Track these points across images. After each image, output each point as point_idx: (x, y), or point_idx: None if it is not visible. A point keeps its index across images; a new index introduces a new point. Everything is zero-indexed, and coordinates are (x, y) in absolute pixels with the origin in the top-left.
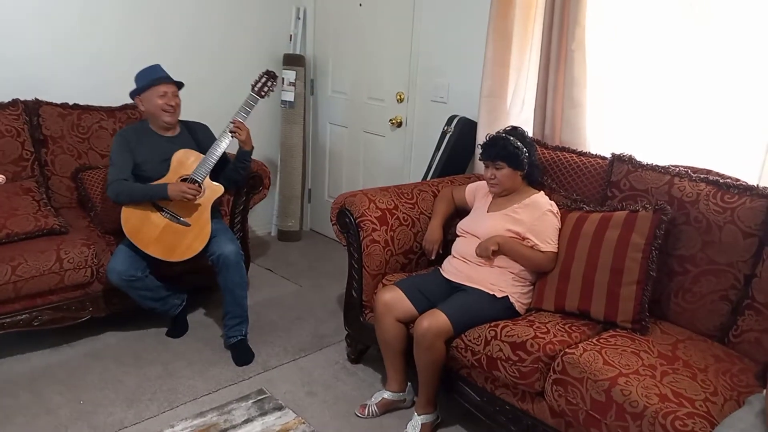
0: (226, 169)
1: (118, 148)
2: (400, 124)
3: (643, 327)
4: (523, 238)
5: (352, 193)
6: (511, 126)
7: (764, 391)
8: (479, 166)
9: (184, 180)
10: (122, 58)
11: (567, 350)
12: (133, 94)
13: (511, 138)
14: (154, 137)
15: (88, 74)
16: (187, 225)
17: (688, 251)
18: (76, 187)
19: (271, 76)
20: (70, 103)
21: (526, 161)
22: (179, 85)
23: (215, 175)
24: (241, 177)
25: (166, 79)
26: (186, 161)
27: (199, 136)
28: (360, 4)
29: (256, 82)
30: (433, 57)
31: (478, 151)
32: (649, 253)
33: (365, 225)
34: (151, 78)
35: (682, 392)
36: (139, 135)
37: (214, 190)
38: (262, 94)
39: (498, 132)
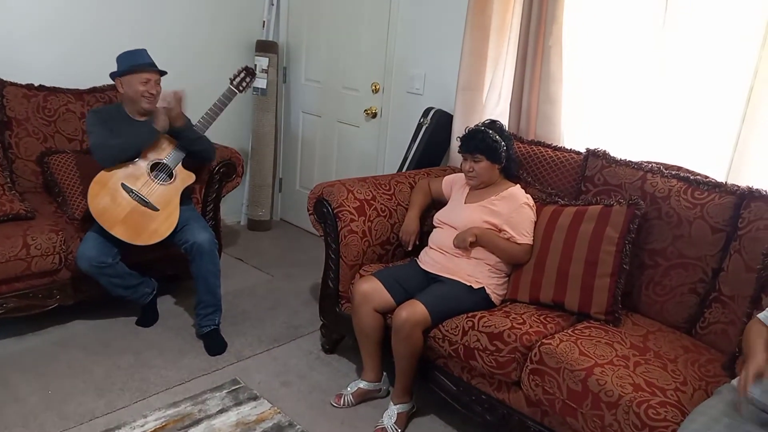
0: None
1: (96, 121)
2: (375, 115)
3: (615, 318)
4: (500, 230)
5: (329, 183)
6: (490, 119)
7: (732, 381)
8: (455, 158)
9: (156, 164)
10: (92, 42)
11: (544, 341)
12: (113, 75)
13: (490, 131)
14: (128, 121)
15: (55, 56)
16: (156, 209)
17: (659, 245)
18: (42, 171)
19: (249, 72)
20: (36, 84)
21: (504, 155)
22: (162, 74)
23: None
24: (197, 151)
25: (151, 66)
26: (159, 146)
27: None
28: None
29: (235, 77)
30: (410, 48)
31: (456, 143)
32: (622, 246)
33: (343, 215)
34: (136, 63)
35: (654, 382)
36: (112, 117)
37: (184, 177)
38: (240, 88)
39: (476, 125)
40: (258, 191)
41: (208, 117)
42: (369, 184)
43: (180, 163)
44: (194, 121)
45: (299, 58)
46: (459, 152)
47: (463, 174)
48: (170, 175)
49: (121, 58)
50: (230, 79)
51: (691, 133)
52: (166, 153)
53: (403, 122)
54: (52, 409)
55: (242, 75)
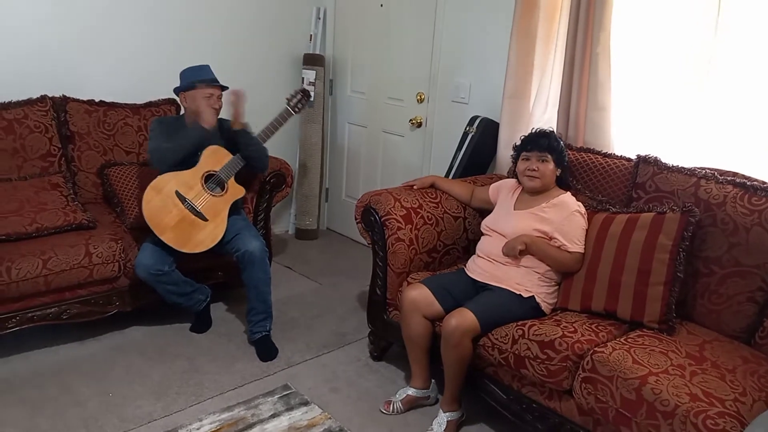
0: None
1: (157, 128)
2: (420, 125)
3: (670, 327)
4: (551, 238)
5: (377, 192)
6: (540, 128)
7: None
8: (501, 166)
9: (210, 176)
10: (146, 57)
11: (596, 349)
12: (177, 90)
13: (556, 134)
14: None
15: (113, 72)
16: (205, 220)
17: (714, 253)
18: (102, 182)
19: (306, 94)
20: (96, 100)
21: (566, 161)
22: (224, 89)
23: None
24: (254, 157)
25: (214, 82)
26: (215, 157)
27: (225, 132)
28: (381, 5)
29: (292, 98)
30: (455, 57)
31: (505, 151)
32: (676, 254)
33: (390, 223)
34: (200, 78)
35: (712, 392)
36: (175, 129)
37: (235, 192)
38: (297, 110)
39: (535, 130)
40: (305, 201)
41: (263, 135)
42: (415, 192)
43: (233, 177)
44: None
45: (345, 70)
46: (527, 151)
47: (510, 180)
48: (222, 187)
49: (185, 74)
50: (287, 99)
51: (744, 138)
52: (221, 165)
53: (448, 131)
54: (112, 412)
55: (299, 96)
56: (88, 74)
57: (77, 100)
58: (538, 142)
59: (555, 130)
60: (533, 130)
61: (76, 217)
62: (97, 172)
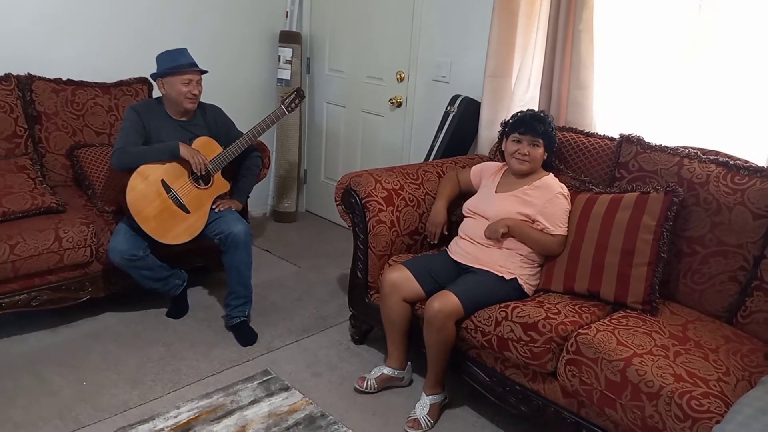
0: (242, 167)
1: (131, 121)
2: (400, 104)
3: (653, 308)
4: (533, 221)
5: (357, 173)
6: (535, 110)
7: None
8: (483, 146)
9: None
10: (117, 35)
11: (580, 331)
12: (154, 76)
13: (550, 118)
14: (167, 120)
15: (82, 50)
16: (188, 212)
17: (697, 232)
18: (72, 164)
19: (300, 94)
20: (64, 79)
21: (556, 146)
22: (203, 73)
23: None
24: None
25: (192, 66)
26: (205, 149)
27: (209, 119)
28: None
29: (286, 97)
30: (435, 35)
31: (487, 132)
32: (660, 234)
33: (371, 205)
34: (178, 63)
35: (696, 372)
36: (152, 116)
37: (220, 186)
38: (290, 109)
39: (529, 110)
40: (283, 183)
41: (255, 132)
42: (396, 173)
43: (220, 171)
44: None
45: (323, 48)
46: (520, 133)
47: (492, 163)
48: (208, 181)
49: (162, 58)
50: (281, 98)
51: (728, 117)
52: (210, 158)
53: (429, 111)
54: (87, 401)
55: (292, 96)
56: (55, 52)
57: (44, 79)
58: (533, 126)
59: (536, 109)
60: (527, 111)
61: (44, 200)
62: (67, 153)
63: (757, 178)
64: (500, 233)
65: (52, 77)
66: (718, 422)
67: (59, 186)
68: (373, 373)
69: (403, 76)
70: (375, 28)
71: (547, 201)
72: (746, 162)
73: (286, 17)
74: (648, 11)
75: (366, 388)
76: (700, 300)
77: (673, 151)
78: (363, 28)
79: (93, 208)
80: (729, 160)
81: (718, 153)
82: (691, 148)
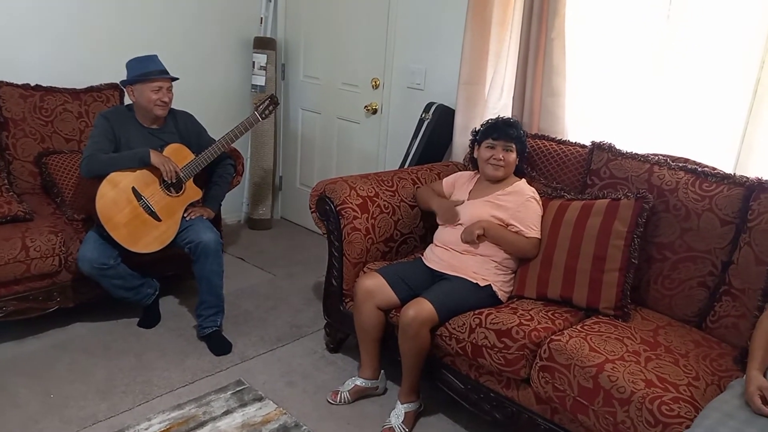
0: (214, 175)
1: (100, 129)
2: (375, 111)
3: (625, 313)
4: (507, 225)
5: (332, 180)
6: (505, 117)
7: (744, 375)
8: (458, 153)
9: None
10: (87, 39)
11: (553, 337)
12: (124, 83)
13: (520, 124)
14: (137, 128)
15: (50, 55)
16: (159, 220)
17: (667, 238)
18: (40, 172)
19: (274, 101)
20: (32, 84)
21: (527, 150)
22: (173, 80)
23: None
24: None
25: (163, 73)
26: (177, 156)
27: (180, 126)
28: None
29: (260, 104)
30: (410, 43)
31: (461, 139)
32: (631, 240)
33: (346, 212)
34: (148, 70)
35: (666, 377)
36: (122, 123)
37: (191, 194)
38: (264, 116)
39: (499, 117)
40: (258, 189)
41: (228, 139)
42: (371, 180)
43: (192, 178)
44: (201, 120)
45: (297, 54)
46: (493, 139)
47: (465, 173)
48: (179, 188)
49: (131, 65)
50: (255, 105)
51: (697, 125)
52: (181, 165)
53: (404, 118)
54: (54, 414)
55: (266, 103)
56: (22, 57)
57: (11, 84)
58: (506, 131)
59: (509, 117)
60: (498, 118)
61: (11, 208)
62: (35, 160)
63: (725, 185)
64: (476, 234)
65: (19, 83)
66: (687, 427)
67: (27, 194)
68: (346, 385)
69: (378, 83)
70: (350, 34)
71: (520, 205)
72: (714, 169)
73: (261, 23)
74: (618, 20)
75: (339, 402)
76: (670, 305)
77: (643, 159)
78: (338, 34)
79: (62, 216)
80: (697, 167)
81: (687, 160)
82: (661, 155)
